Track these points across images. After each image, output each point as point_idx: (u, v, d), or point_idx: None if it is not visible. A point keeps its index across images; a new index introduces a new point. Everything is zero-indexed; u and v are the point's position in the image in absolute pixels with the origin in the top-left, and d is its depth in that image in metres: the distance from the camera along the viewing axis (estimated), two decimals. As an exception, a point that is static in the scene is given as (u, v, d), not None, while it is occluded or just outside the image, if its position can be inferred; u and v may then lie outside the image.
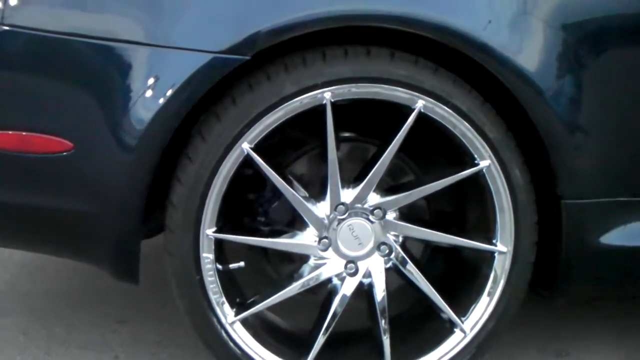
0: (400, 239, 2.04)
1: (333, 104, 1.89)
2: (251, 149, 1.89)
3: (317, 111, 1.90)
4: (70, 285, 2.66)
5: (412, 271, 2.02)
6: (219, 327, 1.98)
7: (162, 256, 1.99)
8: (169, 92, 1.84)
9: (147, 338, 2.37)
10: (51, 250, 2.16)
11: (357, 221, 1.98)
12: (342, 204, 1.97)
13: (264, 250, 2.10)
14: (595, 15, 1.90)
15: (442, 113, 1.91)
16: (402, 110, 1.92)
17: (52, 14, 1.89)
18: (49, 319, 2.45)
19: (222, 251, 2.03)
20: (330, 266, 2.02)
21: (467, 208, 2.12)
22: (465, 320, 2.02)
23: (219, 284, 1.97)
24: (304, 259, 2.05)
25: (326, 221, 1.98)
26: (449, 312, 2.01)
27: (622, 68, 1.91)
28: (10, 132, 1.92)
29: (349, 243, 1.99)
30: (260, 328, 2.06)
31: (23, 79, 1.92)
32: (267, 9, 1.84)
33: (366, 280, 2.04)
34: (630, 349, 2.31)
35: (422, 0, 1.86)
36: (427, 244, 2.17)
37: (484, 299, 2.02)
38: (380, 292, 2.02)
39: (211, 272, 1.96)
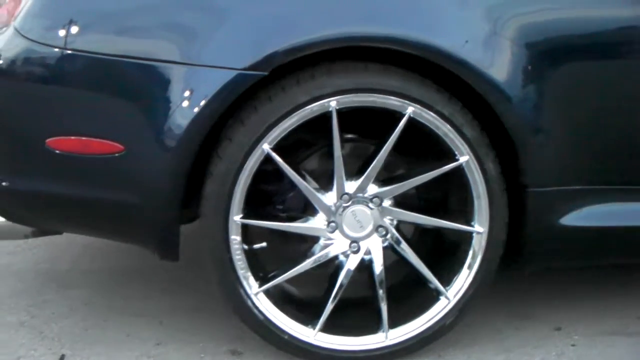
0: (395, 222, 2.04)
1: (338, 111, 1.90)
2: (271, 149, 1.91)
3: (325, 117, 1.91)
4: (124, 263, 2.67)
5: (405, 249, 2.02)
6: (245, 296, 1.99)
7: (199, 238, 1.98)
8: (202, 102, 1.86)
9: (185, 306, 2.38)
10: (107, 235, 2.17)
11: (359, 208, 1.99)
12: (347, 193, 1.98)
13: (282, 233, 2.08)
14: (552, 35, 1.91)
15: (428, 117, 1.91)
16: (394, 115, 1.92)
17: (106, 39, 1.91)
18: (107, 292, 2.47)
19: (247, 234, 2.02)
20: (337, 245, 2.03)
21: (450, 196, 2.11)
22: (449, 289, 2.02)
23: (245, 261, 1.98)
24: (315, 239, 2.05)
25: (333, 208, 1.99)
26: (435, 282, 2.02)
27: (575, 78, 1.92)
28: (73, 138, 1.93)
29: (352, 226, 2.00)
30: (279, 297, 2.06)
31: (83, 94, 1.93)
32: (281, 33, 1.85)
33: (367, 257, 2.04)
34: (583, 309, 2.32)
35: (411, 24, 1.87)
36: (417, 226, 2.16)
37: (465, 271, 2.02)
38: (378, 267, 2.02)
39: (238, 251, 1.97)
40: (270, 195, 2.12)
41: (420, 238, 2.18)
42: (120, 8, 1.93)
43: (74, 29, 1.90)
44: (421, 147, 2.06)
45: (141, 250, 2.12)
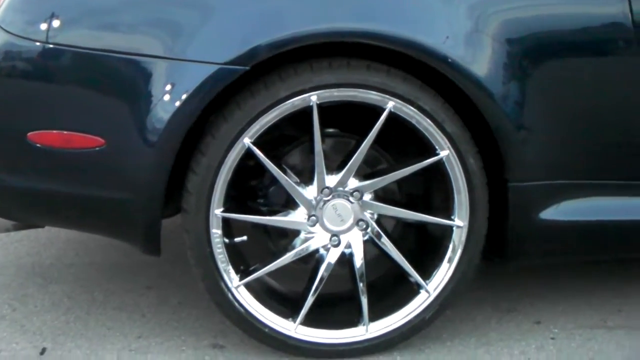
0: (376, 216, 2.05)
1: (319, 106, 1.90)
2: (252, 143, 1.91)
3: (307, 112, 1.91)
4: (108, 257, 2.67)
5: (385, 243, 2.03)
6: (226, 290, 2.00)
7: (181, 233, 1.99)
8: (184, 97, 1.86)
9: (169, 300, 2.39)
10: (89, 229, 2.18)
11: (340, 202, 2.00)
12: (327, 187, 1.99)
13: (263, 227, 2.11)
14: (534, 31, 1.91)
15: (409, 112, 1.92)
16: (376, 110, 1.93)
17: (88, 33, 1.91)
18: (89, 286, 2.47)
19: (228, 228, 2.04)
20: (317, 239, 2.04)
21: (431, 190, 2.12)
22: (429, 282, 2.03)
23: (226, 254, 1.99)
24: (296, 233, 2.06)
25: (314, 202, 2.00)
26: (415, 276, 2.03)
27: (556, 75, 1.93)
28: (54, 132, 1.93)
29: (333, 220, 2.01)
30: (260, 291, 2.07)
31: (64, 88, 1.94)
32: (263, 28, 1.86)
33: (347, 251, 2.05)
34: (563, 304, 2.34)
35: (393, 20, 1.88)
36: (398, 220, 2.16)
37: (445, 265, 2.03)
38: (359, 260, 2.04)
39: (219, 245, 1.98)
40: (252, 189, 2.13)
41: (402, 232, 2.19)
42: (102, 2, 1.93)
43: (56, 23, 1.91)
44: (403, 142, 2.06)
45: (125, 245, 2.13)
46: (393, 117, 1.93)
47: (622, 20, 1.91)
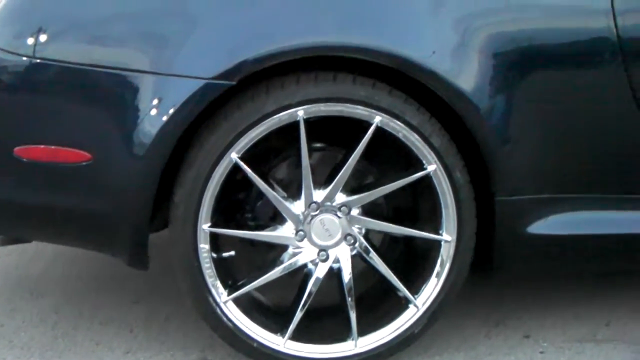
0: (363, 231, 2.05)
1: (306, 120, 1.90)
2: (239, 157, 1.91)
3: (294, 125, 1.90)
4: (96, 271, 2.66)
5: (373, 258, 2.03)
6: (214, 305, 1.99)
7: (169, 245, 1.99)
8: (171, 111, 1.86)
9: (157, 314, 2.38)
10: (77, 243, 2.16)
11: (327, 216, 1.99)
12: (315, 202, 1.98)
13: (251, 241, 2.10)
14: (519, 45, 1.91)
15: (396, 127, 1.92)
16: (362, 125, 1.93)
17: (75, 48, 1.92)
18: (77, 300, 2.46)
19: (216, 242, 2.03)
20: (305, 254, 2.03)
21: (418, 204, 2.12)
22: (417, 297, 2.03)
23: (214, 269, 1.98)
24: (284, 248, 2.05)
25: (301, 217, 1.99)
26: (404, 290, 2.02)
27: (542, 88, 1.93)
28: (41, 146, 1.94)
29: (321, 235, 2.00)
30: (248, 305, 2.06)
31: (51, 103, 1.94)
32: (250, 42, 1.86)
33: (335, 265, 2.04)
34: (552, 317, 2.33)
35: (380, 34, 1.88)
36: (386, 234, 2.17)
37: (433, 279, 2.02)
38: (347, 275, 2.03)
39: (207, 260, 1.97)
40: (239, 203, 2.12)
41: (390, 246, 2.19)
42: (89, 17, 1.94)
43: (43, 38, 1.91)
44: (390, 156, 2.06)
45: (112, 259, 2.12)
46: (379, 130, 1.93)
47: (606, 34, 1.92)
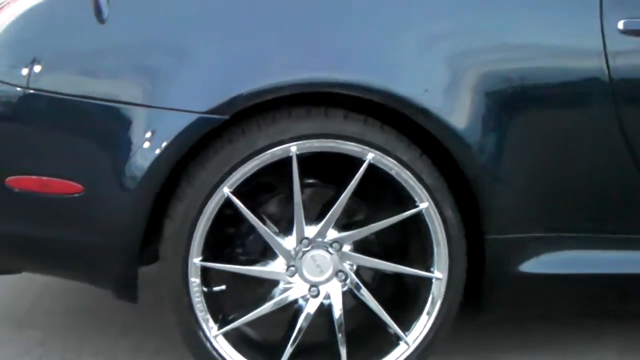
0: (355, 267, 2.04)
1: (298, 156, 1.90)
2: (231, 192, 1.91)
3: (285, 161, 1.90)
4: (85, 302, 2.64)
5: (364, 294, 2.02)
6: (204, 339, 1.98)
7: (159, 279, 1.98)
8: (164, 144, 1.86)
9: (145, 347, 2.36)
10: (66, 274, 2.16)
11: (319, 252, 1.99)
12: (306, 238, 1.98)
13: (242, 276, 2.06)
14: (512, 84, 1.92)
15: (388, 163, 1.93)
16: (354, 162, 1.92)
17: (68, 80, 1.93)
18: (64, 332, 2.44)
19: (206, 275, 2.01)
20: (296, 289, 2.02)
21: (410, 241, 2.10)
22: (408, 334, 2.02)
23: (204, 303, 1.98)
24: (275, 283, 2.04)
25: (293, 252, 1.99)
26: (394, 327, 2.02)
27: (534, 127, 1.93)
28: (33, 177, 1.94)
29: (312, 270, 1.99)
30: (238, 340, 2.05)
31: (44, 134, 1.94)
32: (243, 77, 1.87)
33: (326, 301, 2.03)
34: (539, 356, 2.32)
35: (373, 71, 1.89)
36: (377, 271, 2.14)
37: (424, 316, 2.02)
38: (338, 311, 2.02)
39: (198, 294, 1.97)
40: (231, 238, 2.11)
41: (381, 282, 2.17)
42: (83, 49, 1.94)
43: (37, 68, 1.92)
44: (381, 192, 2.06)
45: (101, 290, 2.11)
46: (372, 167, 1.93)
47: (599, 75, 1.93)
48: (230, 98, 1.86)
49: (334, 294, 2.03)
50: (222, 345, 2.00)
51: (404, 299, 2.11)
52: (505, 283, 2.02)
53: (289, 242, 2.00)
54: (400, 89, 1.89)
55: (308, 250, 1.99)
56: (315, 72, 1.89)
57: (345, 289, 2.04)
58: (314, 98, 1.93)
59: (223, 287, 2.09)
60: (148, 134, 1.88)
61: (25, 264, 2.16)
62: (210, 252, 1.99)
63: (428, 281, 2.02)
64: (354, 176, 1.93)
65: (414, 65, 1.92)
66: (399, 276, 2.13)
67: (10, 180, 1.95)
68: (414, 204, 1.97)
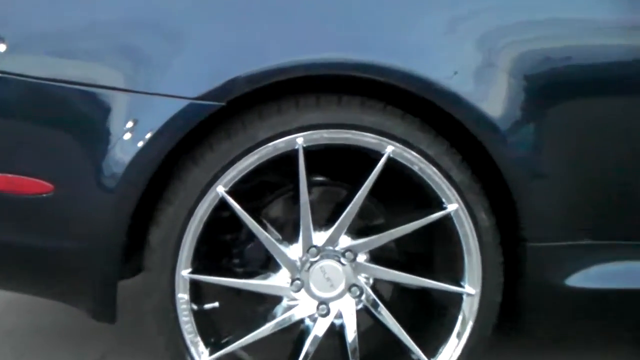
0: (371, 281, 2.00)
1: (306, 149, 1.86)
2: (226, 192, 1.87)
3: (290, 156, 1.86)
4: (56, 322, 2.59)
5: (383, 313, 1.97)
6: (193, 365, 1.92)
7: (141, 295, 1.93)
8: (148, 136, 1.81)
9: (125, 374, 2.31)
10: (35, 289, 2.08)
11: (329, 263, 1.95)
12: (314, 246, 1.94)
13: (238, 291, 2.05)
14: (555, 65, 1.87)
15: (410, 158, 1.88)
16: (371, 155, 1.88)
17: (36, 60, 1.88)
18: (32, 356, 2.39)
19: (198, 291, 1.97)
20: (302, 307, 1.98)
21: (435, 250, 2.08)
22: (434, 360, 1.96)
23: (193, 323, 1.94)
24: (277, 299, 2.00)
25: (298, 263, 1.94)
26: (418, 353, 1.96)
27: (582, 116, 1.89)
28: (-1, 175, 1.93)
29: (321, 285, 1.95)
30: (233, 367, 1.99)
31: (9, 124, 1.90)
32: (242, 57, 1.82)
33: (338, 321, 1.99)
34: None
35: (394, 51, 1.84)
36: (397, 285, 2.12)
37: (453, 339, 1.97)
38: (351, 333, 1.97)
39: (186, 312, 1.93)
40: (226, 246, 2.09)
41: (401, 299, 2.14)
42: (55, 26, 1.90)
43: (1, 48, 1.87)
44: (403, 192, 2.02)
45: (75, 309, 2.05)
46: (391, 162, 1.88)
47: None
48: (225, 82, 1.81)
49: (347, 313, 1.99)
50: (214, 374, 1.97)
51: (429, 318, 2.07)
52: (548, 299, 1.96)
53: (293, 251, 1.95)
54: (425, 72, 1.83)
55: (316, 261, 1.95)
56: (325, 52, 1.84)
57: (360, 306, 1.99)
58: (325, 83, 1.88)
59: (216, 304, 2.05)
60: (129, 124, 1.83)
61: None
62: (202, 263, 1.95)
63: (458, 297, 1.97)
64: (370, 173, 1.88)
65: (441, 44, 1.87)
66: (423, 292, 2.08)
67: (-26, 179, 1.95)
68: (441, 206, 1.92)
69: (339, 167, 2.05)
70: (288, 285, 1.96)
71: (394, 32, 1.86)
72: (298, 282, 1.95)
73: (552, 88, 1.87)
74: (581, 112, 1.89)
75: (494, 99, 1.86)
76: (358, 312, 1.99)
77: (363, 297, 1.98)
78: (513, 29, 1.88)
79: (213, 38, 1.84)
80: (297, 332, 2.01)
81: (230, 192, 1.87)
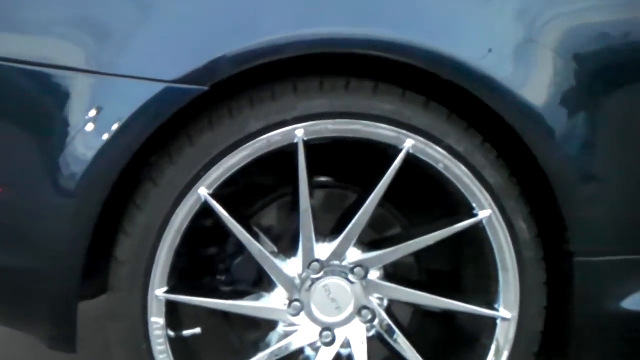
0: (385, 303, 1.95)
1: (306, 144, 1.80)
2: (210, 195, 1.80)
3: (288, 152, 1.81)
4: (6, 354, 2.53)
5: (400, 341, 1.92)
6: (169, 406, 1.85)
7: (106, 320, 1.89)
8: (115, 127, 1.73)
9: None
10: None
11: (335, 281, 1.88)
12: (317, 261, 1.87)
13: (225, 315, 2.02)
14: (613, 43, 1.80)
15: (434, 155, 1.81)
16: (387, 152, 1.82)
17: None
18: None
19: (175, 315, 1.92)
20: (302, 334, 1.91)
21: (463, 266, 2.04)
22: (463, 401, 1.85)
23: (170, 354, 1.87)
24: (272, 325, 1.96)
25: (298, 281, 1.88)
26: (441, 390, 1.85)
27: None
28: None
29: (325, 307, 1.89)
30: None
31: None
32: (229, 33, 1.75)
33: (345, 352, 1.94)
34: None
35: (412, 25, 1.78)
36: (417, 309, 2.08)
37: (485, 374, 1.84)
38: (361, 366, 1.82)
39: (161, 340, 1.86)
40: (210, 261, 2.06)
41: (421, 325, 2.10)
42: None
43: None
44: (424, 196, 2.00)
45: (29, 337, 1.99)
46: (411, 159, 1.81)
47: None
48: (209, 62, 1.74)
49: (356, 341, 1.92)
50: (195, 415, 1.93)
51: (456, 349, 2.03)
52: (601, 325, 1.90)
53: (292, 267, 1.89)
54: (452, 50, 1.76)
55: (319, 278, 1.89)
56: (330, 26, 1.77)
57: (371, 333, 1.93)
58: (330, 65, 1.81)
59: (197, 330, 2.01)
60: (92, 113, 1.76)
61: None
62: (180, 281, 1.90)
63: (491, 323, 1.90)
64: (385, 173, 1.81)
65: (471, 16, 1.79)
66: (448, 316, 2.04)
67: None
68: (471, 213, 1.85)
69: (347, 165, 2.02)
70: (285, 308, 1.90)
71: (414, 1, 1.78)
72: (297, 303, 1.89)
73: (609, 70, 1.81)
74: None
75: (537, 84, 1.78)
76: (370, 340, 1.93)
77: (376, 322, 1.92)
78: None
79: (194, 8, 1.77)
80: (296, 364, 1.86)
81: (214, 196, 1.81)
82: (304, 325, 1.91)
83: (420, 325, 2.11)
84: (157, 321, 1.84)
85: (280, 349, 1.90)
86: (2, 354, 2.53)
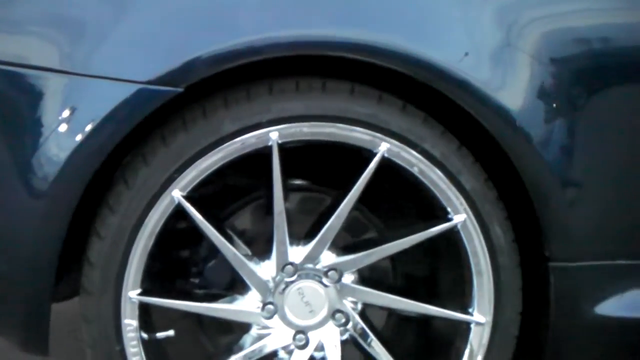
0: (359, 307, 1.94)
1: (281, 146, 1.79)
2: (184, 197, 1.79)
3: (262, 154, 1.80)
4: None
5: (374, 345, 1.91)
6: (142, 409, 1.85)
7: (78, 322, 1.88)
8: (88, 128, 1.72)
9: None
10: None
11: (308, 284, 1.88)
12: (291, 264, 1.87)
13: (198, 317, 2.01)
14: (591, 47, 1.79)
15: (409, 158, 1.80)
16: (362, 155, 1.81)
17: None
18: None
19: (148, 317, 1.92)
20: (275, 337, 1.91)
21: (438, 270, 2.03)
22: (435, 406, 1.86)
23: (143, 356, 1.87)
24: (245, 328, 1.95)
25: (271, 284, 1.87)
26: (416, 394, 1.85)
27: (622, 110, 1.81)
28: None
29: (298, 310, 1.89)
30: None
31: None
32: (204, 33, 1.74)
33: (318, 355, 1.93)
34: None
35: (390, 28, 1.77)
36: (392, 313, 2.06)
37: (459, 379, 1.84)
38: (334, 368, 1.82)
39: (134, 342, 1.86)
40: (183, 264, 2.05)
41: (396, 329, 2.09)
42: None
43: None
44: (399, 200, 1.99)
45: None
46: (386, 163, 1.81)
47: None
48: (184, 62, 1.72)
49: (330, 345, 1.92)
50: (168, 419, 1.93)
51: (430, 353, 2.03)
52: (577, 331, 1.90)
53: (265, 270, 1.88)
54: (429, 52, 1.75)
55: (293, 281, 1.88)
56: (308, 27, 1.77)
57: (345, 337, 1.93)
58: (307, 68, 1.81)
59: (171, 333, 2.00)
60: (65, 113, 1.74)
61: None
62: (153, 283, 1.89)
63: (465, 327, 1.89)
64: (360, 176, 1.80)
65: (449, 19, 1.79)
66: (422, 320, 2.03)
67: None
68: (446, 217, 1.84)
69: (322, 168, 2.01)
70: (258, 311, 1.89)
71: (392, 4, 1.77)
72: (270, 306, 1.88)
73: (587, 75, 1.80)
74: (622, 105, 1.81)
75: (514, 88, 1.78)
76: (343, 343, 1.93)
77: (349, 325, 1.92)
78: (538, 1, 1.80)
79: (169, 7, 1.76)
80: (268, 367, 1.88)
81: (188, 198, 1.80)
82: (278, 328, 1.90)
83: (395, 329, 2.10)
84: (130, 323, 1.84)
85: (253, 351, 1.90)
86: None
